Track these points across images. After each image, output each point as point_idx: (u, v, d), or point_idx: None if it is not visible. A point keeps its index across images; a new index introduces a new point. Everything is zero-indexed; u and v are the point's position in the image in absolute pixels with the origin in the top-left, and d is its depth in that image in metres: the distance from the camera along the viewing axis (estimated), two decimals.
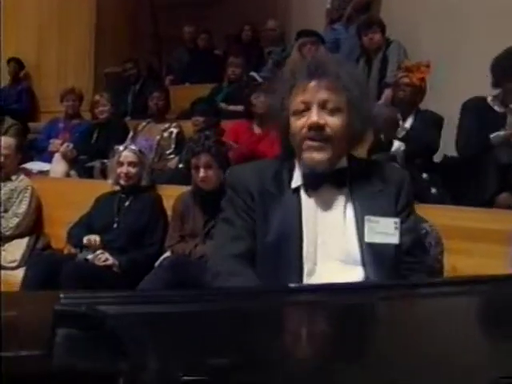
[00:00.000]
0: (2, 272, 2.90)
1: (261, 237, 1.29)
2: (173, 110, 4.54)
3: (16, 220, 3.39)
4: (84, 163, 4.01)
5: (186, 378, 0.48)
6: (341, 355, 0.62)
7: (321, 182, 1.31)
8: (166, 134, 4.00)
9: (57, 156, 4.06)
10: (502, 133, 2.68)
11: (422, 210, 1.64)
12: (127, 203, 2.95)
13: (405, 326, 0.75)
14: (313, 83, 1.29)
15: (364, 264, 1.25)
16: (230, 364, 0.54)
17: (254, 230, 1.30)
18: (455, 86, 3.29)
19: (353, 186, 1.31)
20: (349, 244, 1.27)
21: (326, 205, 1.31)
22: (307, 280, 1.25)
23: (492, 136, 2.67)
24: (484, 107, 2.83)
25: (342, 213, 1.30)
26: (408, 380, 0.54)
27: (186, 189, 2.85)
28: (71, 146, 4.08)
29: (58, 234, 3.31)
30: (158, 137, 4.00)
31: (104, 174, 3.55)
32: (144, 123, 4.20)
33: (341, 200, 1.31)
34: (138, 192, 2.98)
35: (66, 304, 0.56)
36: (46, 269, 2.66)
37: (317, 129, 1.26)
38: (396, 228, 1.27)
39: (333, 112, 1.27)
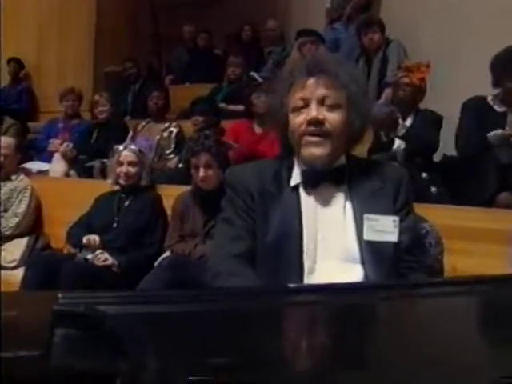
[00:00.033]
0: (2, 272, 2.90)
1: (261, 237, 1.29)
2: (172, 110, 4.54)
3: (16, 220, 3.39)
4: (84, 163, 4.01)
5: (191, 378, 0.48)
6: (341, 355, 0.62)
7: (320, 180, 1.31)
8: (165, 134, 4.00)
9: (56, 156, 4.06)
10: (499, 132, 2.68)
11: (422, 209, 1.64)
12: (127, 203, 2.95)
13: (405, 326, 0.75)
14: (311, 80, 1.30)
15: (363, 262, 1.25)
16: (230, 364, 0.54)
17: (254, 229, 1.30)
18: (455, 85, 3.29)
19: (352, 184, 1.32)
20: (348, 242, 1.27)
21: (326, 202, 1.31)
22: (307, 278, 1.25)
23: (489, 135, 2.67)
24: (484, 107, 2.83)
25: (342, 210, 1.30)
26: (408, 380, 0.54)
27: (185, 188, 2.85)
28: (71, 145, 4.08)
29: (57, 234, 3.31)
30: (158, 136, 3.99)
31: (104, 174, 3.55)
32: (144, 123, 4.20)
33: (340, 198, 1.31)
34: (137, 192, 2.98)
35: (65, 304, 0.56)
36: (45, 269, 2.65)
37: (316, 124, 1.27)
38: (395, 226, 1.27)
39: (332, 108, 1.28)
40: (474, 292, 0.87)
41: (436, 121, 3.06)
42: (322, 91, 1.29)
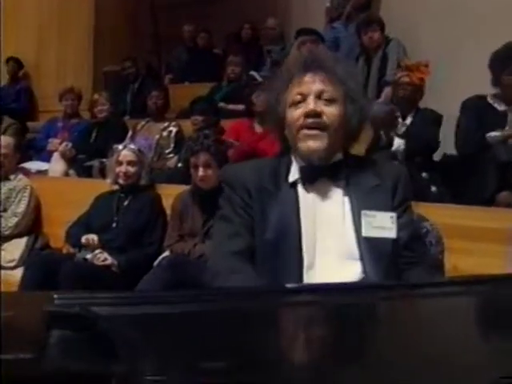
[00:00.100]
0: (2, 272, 2.90)
1: (259, 234, 1.29)
2: (172, 109, 4.54)
3: (15, 219, 3.38)
4: (83, 162, 4.01)
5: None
6: (341, 355, 0.62)
7: (317, 175, 1.31)
8: (165, 133, 3.99)
9: (55, 155, 4.06)
10: (498, 133, 2.68)
11: (422, 208, 1.64)
12: (126, 202, 2.95)
13: (405, 326, 0.75)
14: (309, 76, 1.32)
15: (362, 258, 1.25)
16: (229, 365, 0.54)
17: (253, 226, 1.30)
18: (455, 84, 3.28)
19: (349, 180, 1.32)
20: (346, 238, 1.27)
21: (324, 198, 1.31)
22: (306, 274, 1.25)
23: (488, 136, 2.67)
24: (484, 106, 2.82)
25: (340, 206, 1.30)
26: (408, 380, 0.53)
27: (185, 188, 2.85)
28: (70, 145, 4.08)
29: (56, 234, 3.30)
30: (157, 136, 3.99)
31: (103, 174, 3.55)
32: (143, 122, 4.19)
33: (338, 194, 1.31)
34: (137, 191, 2.97)
35: (60, 305, 0.56)
36: (44, 268, 2.65)
37: (314, 116, 1.27)
38: (393, 222, 1.28)
39: (329, 102, 1.29)
40: (474, 292, 0.87)
41: (436, 120, 3.06)
42: (319, 86, 1.30)
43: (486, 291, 0.86)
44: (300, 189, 1.32)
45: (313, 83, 1.30)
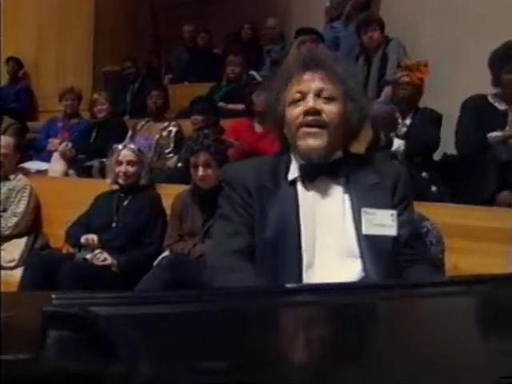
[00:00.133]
0: (1, 272, 2.89)
1: (259, 232, 1.28)
2: (172, 109, 4.54)
3: (14, 219, 3.38)
4: (83, 162, 4.00)
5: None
6: (341, 355, 0.61)
7: (317, 174, 1.31)
8: (164, 133, 3.99)
9: (55, 155, 4.06)
10: (499, 133, 2.68)
11: (423, 208, 1.64)
12: (126, 202, 2.95)
13: (405, 326, 0.75)
14: (308, 74, 1.32)
15: (362, 256, 1.25)
16: (229, 365, 0.53)
17: (252, 225, 1.29)
18: (456, 84, 3.28)
19: (349, 178, 1.32)
20: (346, 236, 1.27)
21: (323, 196, 1.31)
22: (306, 273, 1.24)
23: (489, 136, 2.67)
24: (484, 105, 2.82)
25: (339, 204, 1.30)
26: (408, 380, 0.53)
27: (184, 188, 2.85)
28: (70, 145, 4.08)
29: (56, 234, 3.30)
30: (157, 136, 3.99)
31: (103, 173, 3.55)
32: (143, 122, 4.19)
33: (338, 192, 1.31)
34: (136, 191, 2.97)
35: (58, 305, 0.55)
36: (44, 268, 2.64)
37: (313, 114, 1.27)
38: (393, 220, 1.27)
39: (328, 100, 1.29)
40: (474, 292, 0.86)
41: (436, 119, 3.06)
42: (318, 84, 1.30)
43: (487, 291, 0.86)
44: (299, 187, 1.31)
45: (312, 81, 1.30)
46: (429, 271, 1.30)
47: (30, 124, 5.42)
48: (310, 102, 1.28)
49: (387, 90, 3.57)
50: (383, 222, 1.26)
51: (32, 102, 5.93)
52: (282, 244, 1.26)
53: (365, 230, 1.25)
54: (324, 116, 1.28)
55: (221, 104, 4.56)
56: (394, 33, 4.01)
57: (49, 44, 5.96)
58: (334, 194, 1.31)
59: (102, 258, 2.70)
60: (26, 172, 3.78)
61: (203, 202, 2.63)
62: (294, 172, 1.33)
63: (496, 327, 0.75)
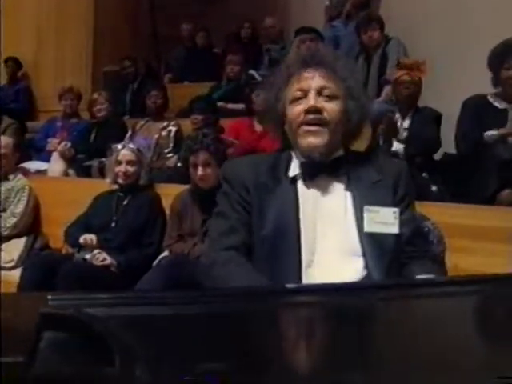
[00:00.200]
0: (1, 272, 2.89)
1: (257, 230, 1.28)
2: (171, 109, 4.53)
3: (14, 220, 3.37)
4: (82, 162, 4.00)
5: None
6: (340, 356, 0.61)
7: (318, 171, 1.31)
8: (164, 133, 3.98)
9: (55, 155, 4.05)
10: (495, 132, 2.67)
11: (423, 207, 1.63)
12: (125, 202, 2.94)
13: (405, 326, 0.74)
14: (309, 72, 1.31)
15: (364, 254, 1.24)
16: (228, 365, 0.53)
17: (249, 223, 1.29)
18: (456, 83, 3.27)
19: (350, 175, 1.31)
20: (348, 234, 1.26)
21: (324, 194, 1.30)
22: (305, 272, 1.23)
23: (486, 134, 2.66)
24: (484, 105, 2.81)
25: (341, 202, 1.29)
26: (408, 380, 0.53)
27: (184, 187, 2.84)
28: (69, 144, 4.07)
29: (56, 234, 3.29)
30: (157, 135, 3.98)
31: (102, 173, 3.54)
32: (142, 122, 4.19)
33: (339, 189, 1.30)
34: (136, 191, 2.97)
35: (54, 306, 0.55)
36: (43, 269, 2.64)
37: (314, 112, 1.27)
38: (395, 218, 1.27)
39: (329, 98, 1.29)
40: (475, 292, 0.86)
41: (435, 118, 3.06)
42: (319, 82, 1.29)
43: (488, 290, 0.86)
44: (300, 185, 1.31)
45: (313, 79, 1.30)
46: (430, 267, 1.29)
47: (29, 124, 5.41)
48: (311, 100, 1.27)
49: (387, 89, 3.57)
50: (385, 220, 1.26)
51: (31, 101, 5.93)
52: (280, 242, 1.25)
53: (367, 228, 1.25)
54: (325, 114, 1.28)
55: (220, 103, 4.55)
56: (393, 32, 4.01)
57: (48, 44, 5.95)
58: (336, 192, 1.30)
59: (102, 258, 2.70)
60: (26, 172, 3.77)
61: (203, 201, 2.63)
62: (294, 169, 1.32)
63: (497, 327, 0.75)
